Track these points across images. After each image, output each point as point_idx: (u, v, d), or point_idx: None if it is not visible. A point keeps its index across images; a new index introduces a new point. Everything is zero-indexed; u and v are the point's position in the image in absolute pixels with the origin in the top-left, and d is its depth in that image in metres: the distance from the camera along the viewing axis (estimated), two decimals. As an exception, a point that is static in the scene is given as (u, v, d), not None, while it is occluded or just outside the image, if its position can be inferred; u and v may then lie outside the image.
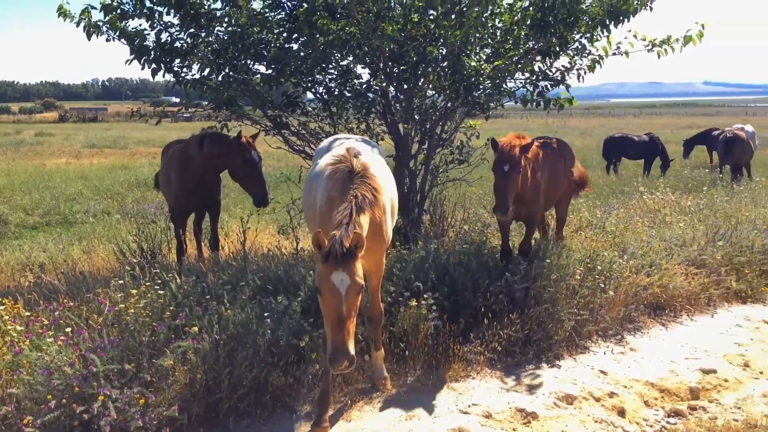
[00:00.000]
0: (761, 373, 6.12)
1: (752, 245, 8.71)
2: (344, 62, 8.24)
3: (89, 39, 7.43)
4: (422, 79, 7.99)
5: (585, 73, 7.92)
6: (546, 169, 7.15)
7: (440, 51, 7.54)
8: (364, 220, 4.40)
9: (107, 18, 7.39)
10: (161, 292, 5.69)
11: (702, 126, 28.62)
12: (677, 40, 7.46)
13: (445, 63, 7.66)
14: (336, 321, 3.89)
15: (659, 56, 7.61)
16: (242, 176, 7.52)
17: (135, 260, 7.26)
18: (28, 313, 5.37)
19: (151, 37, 7.61)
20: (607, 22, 7.45)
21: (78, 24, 7.39)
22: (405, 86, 8.03)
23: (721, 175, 17.53)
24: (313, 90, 8.53)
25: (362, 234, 4.12)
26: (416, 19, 7.50)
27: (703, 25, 7.32)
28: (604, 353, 6.39)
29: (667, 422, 5.18)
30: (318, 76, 8.30)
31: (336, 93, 8.27)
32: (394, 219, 5.31)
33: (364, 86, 8.16)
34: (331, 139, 5.97)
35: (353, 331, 3.95)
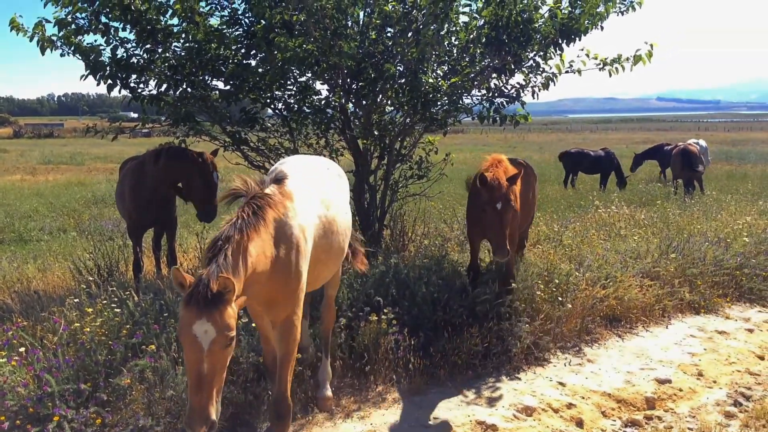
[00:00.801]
0: (714, 382, 6.28)
1: (704, 257, 8.95)
2: (303, 78, 8.27)
3: (43, 54, 7.33)
4: (381, 96, 8.06)
5: (539, 90, 8.10)
6: (522, 196, 7.00)
7: (398, 68, 7.62)
8: (254, 246, 3.69)
9: (61, 33, 7.28)
10: (117, 310, 5.62)
11: (656, 141, 29.31)
12: (627, 59, 7.67)
13: (403, 80, 7.75)
14: (195, 381, 3.25)
15: (611, 74, 7.82)
16: (198, 194, 7.47)
17: (91, 278, 7.15)
18: (-20, 334, 5.25)
19: (107, 53, 7.52)
20: (560, 41, 7.65)
21: (31, 39, 7.27)
22: (364, 102, 8.09)
23: (674, 189, 17.95)
24: (272, 106, 8.52)
25: (239, 273, 3.50)
26: (374, 37, 7.58)
27: (651, 45, 7.54)
28: (563, 365, 6.49)
29: (624, 432, 5.28)
30: (277, 92, 8.31)
31: (295, 109, 8.29)
32: (345, 237, 4.98)
33: (323, 102, 8.19)
34: (283, 160, 5.26)
35: (216, 394, 3.33)
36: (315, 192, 4.57)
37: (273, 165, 8.20)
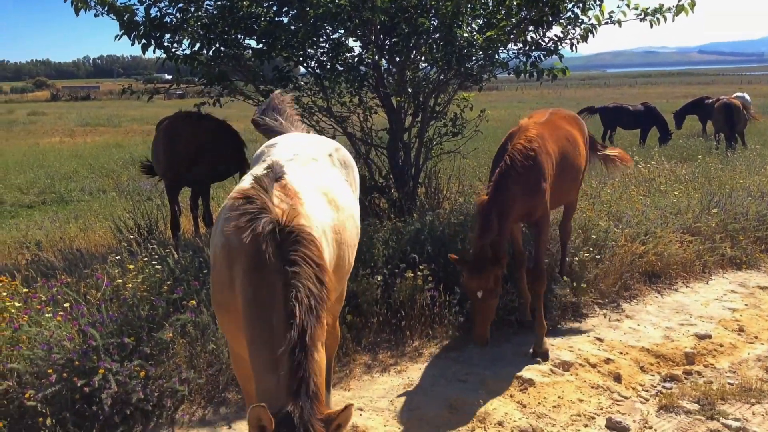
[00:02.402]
0: (756, 337, 6.20)
1: (746, 212, 8.76)
2: (335, 35, 8.18)
3: (77, 14, 7.35)
4: (414, 52, 7.95)
5: (578, 42, 7.89)
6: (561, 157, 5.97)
7: (432, 22, 7.49)
8: (319, 356, 2.63)
9: (95, -8, 7.31)
10: (158, 267, 5.72)
11: (697, 95, 28.54)
12: (669, 9, 7.43)
13: (437, 34, 7.62)
14: None
15: (651, 25, 7.58)
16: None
17: (132, 237, 7.28)
18: (26, 290, 5.39)
19: (141, 12, 7.55)
20: (600, -10, 7.43)
21: (65, -1, 7.31)
22: (397, 59, 7.99)
23: (716, 143, 17.54)
24: (304, 64, 8.47)
25: (322, 393, 2.55)
26: (408, -10, 7.44)
27: (695, -6, 7.29)
28: (601, 321, 6.45)
29: (663, 387, 5.25)
30: (309, 50, 8.24)
31: (328, 67, 8.22)
32: (354, 249, 3.87)
33: (356, 59, 8.10)
34: (272, 141, 4.09)
35: None
36: (322, 192, 3.54)
37: (307, 123, 8.27)
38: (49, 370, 4.33)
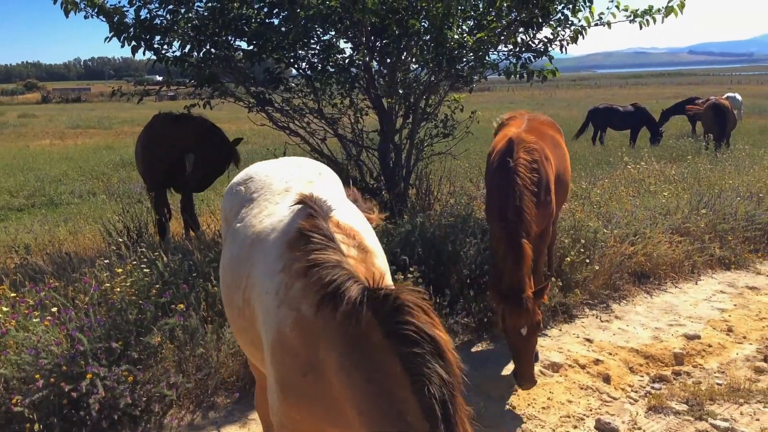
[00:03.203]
0: (744, 338, 6.22)
1: (735, 213, 8.80)
2: (326, 37, 8.17)
3: (67, 16, 7.33)
4: (405, 53, 7.95)
5: (568, 44, 7.91)
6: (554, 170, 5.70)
7: (422, 24, 7.49)
8: None
9: (85, -6, 7.28)
10: (147, 270, 5.69)
11: (687, 96, 28.68)
12: (659, 10, 7.45)
13: (428, 36, 7.61)
14: None
15: (641, 27, 7.60)
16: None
17: (121, 240, 7.25)
18: (13, 294, 5.36)
19: (130, 14, 7.53)
20: (589, -8, 7.45)
21: (55, 1, 7.28)
22: (388, 60, 7.98)
23: (705, 144, 17.62)
24: (295, 66, 8.46)
25: None
26: (398, -9, 7.44)
27: (684, -5, 7.31)
28: (590, 322, 6.47)
29: (652, 387, 5.26)
30: (300, 52, 8.24)
31: (319, 68, 8.21)
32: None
33: (347, 61, 8.10)
34: (245, 175, 3.51)
35: None
36: (363, 222, 3.19)
37: (298, 125, 8.26)
38: (37, 375, 4.31)
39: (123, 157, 19.22)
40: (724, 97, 21.24)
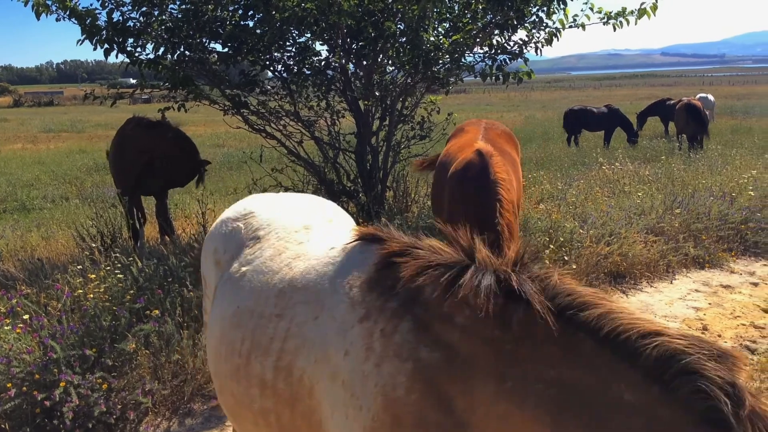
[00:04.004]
0: (719, 336, 6.28)
1: (709, 212, 8.90)
2: (302, 39, 8.15)
3: (38, 18, 7.23)
4: (381, 55, 7.95)
5: (543, 45, 7.97)
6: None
7: (398, 26, 7.50)
8: None
9: (56, -3, 7.19)
10: (121, 276, 5.62)
11: (661, 97, 29.04)
12: (632, 12, 7.54)
13: (404, 38, 7.62)
14: None
15: (615, 29, 7.68)
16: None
17: (94, 245, 7.15)
18: (-16, 302, 5.26)
19: (103, 17, 7.43)
20: (563, -5, 7.50)
21: (26, 3, 7.17)
22: (364, 62, 7.98)
23: (679, 144, 17.84)
24: (271, 68, 8.42)
25: None
26: (373, -6, 7.44)
27: (656, -3, 7.40)
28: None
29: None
30: (276, 54, 8.20)
31: (295, 71, 8.18)
32: None
33: (323, 63, 8.08)
34: (242, 210, 3.03)
35: None
36: None
37: (275, 128, 8.21)
38: (8, 384, 4.23)
39: (96, 161, 19.01)
40: (696, 97, 21.53)
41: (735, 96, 49.29)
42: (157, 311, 5.01)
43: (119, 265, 5.88)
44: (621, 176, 11.64)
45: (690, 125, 17.90)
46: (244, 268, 2.67)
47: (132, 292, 5.40)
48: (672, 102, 22.19)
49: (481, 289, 1.85)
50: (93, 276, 5.63)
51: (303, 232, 2.72)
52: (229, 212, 3.06)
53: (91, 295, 5.30)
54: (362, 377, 1.99)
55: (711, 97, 23.19)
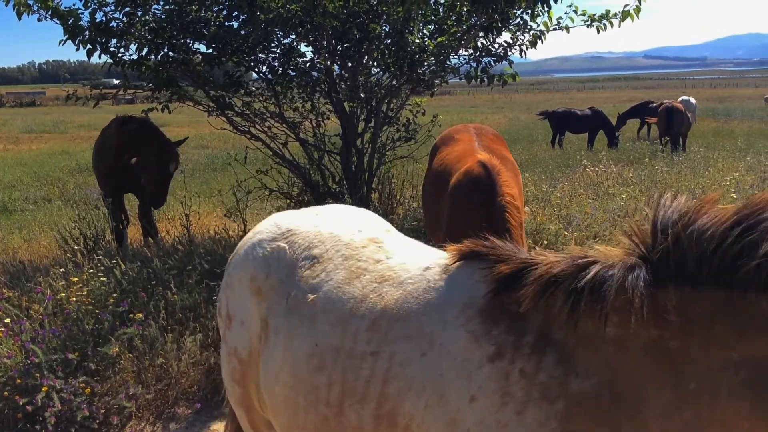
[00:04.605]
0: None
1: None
2: (287, 40, 8.12)
3: (19, 18, 7.16)
4: (366, 57, 7.94)
5: (527, 48, 7.99)
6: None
7: (383, 28, 7.50)
8: None
9: (38, -4, 7.12)
10: (104, 279, 5.57)
11: (643, 99, 29.25)
12: (616, 15, 7.57)
13: (389, 40, 7.63)
14: None
15: (599, 31, 7.72)
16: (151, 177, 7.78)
17: (77, 247, 7.08)
18: (-36, 305, 5.19)
19: (86, 17, 7.37)
20: (548, -3, 7.52)
21: (7, 3, 7.10)
22: (349, 64, 7.96)
23: (662, 147, 17.98)
24: (256, 69, 8.38)
25: None
26: (359, -4, 7.43)
27: (640, 0, 7.44)
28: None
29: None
30: (261, 55, 8.17)
31: (280, 72, 8.15)
32: None
33: (308, 65, 8.05)
34: (280, 228, 2.59)
35: None
36: None
37: (259, 129, 8.18)
38: (-11, 389, 4.18)
39: (79, 162, 18.85)
40: (678, 100, 21.70)
41: (717, 99, 49.74)
42: (140, 314, 4.96)
43: (102, 268, 5.83)
44: (605, 178, 11.71)
45: (671, 127, 18.06)
46: (312, 296, 2.28)
47: (115, 295, 5.35)
48: (654, 105, 22.35)
49: (636, 286, 1.60)
50: (76, 279, 5.57)
51: (373, 247, 2.36)
52: (260, 234, 2.60)
53: (74, 299, 5.25)
54: (498, 428, 1.73)
55: (693, 100, 23.37)
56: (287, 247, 2.46)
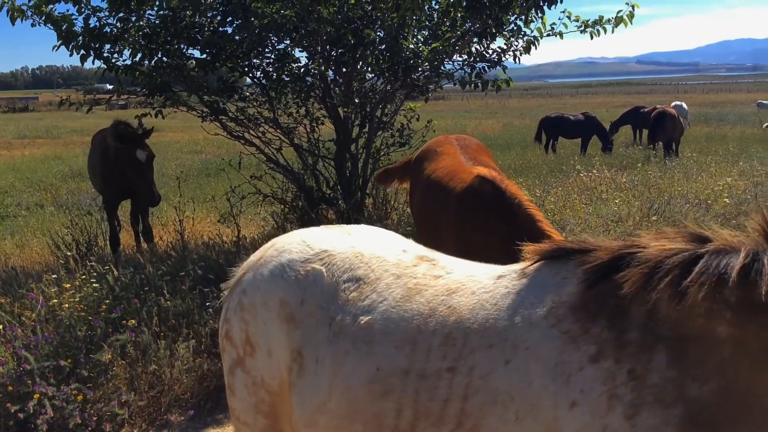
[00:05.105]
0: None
1: (685, 219, 8.98)
2: (281, 46, 8.12)
3: (13, 23, 7.16)
4: (361, 62, 7.95)
5: (521, 54, 8.02)
6: None
7: (378, 33, 7.51)
8: None
9: (32, 2, 7.11)
10: (96, 285, 5.54)
11: (636, 104, 29.36)
12: (609, 21, 7.61)
13: (383, 45, 7.64)
14: None
15: (592, 37, 7.75)
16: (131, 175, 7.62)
17: (70, 253, 7.05)
18: (-44, 312, 5.15)
19: (79, 22, 7.37)
20: (541, 3, 7.54)
21: (0, 8, 7.09)
22: (344, 69, 7.97)
23: (654, 152, 18.04)
24: (250, 75, 8.38)
25: None
26: (353, 2, 7.44)
27: (633, 6, 7.47)
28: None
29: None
30: (255, 61, 8.16)
31: (274, 77, 8.15)
32: None
33: (303, 70, 8.06)
34: (312, 249, 2.38)
35: None
36: None
37: (253, 134, 8.16)
38: (-20, 397, 4.15)
39: (72, 168, 18.78)
40: (671, 105, 21.79)
41: (709, 104, 49.95)
42: (133, 321, 4.94)
43: (95, 274, 5.80)
44: (598, 183, 11.73)
45: (663, 133, 18.14)
46: (365, 318, 2.10)
47: (108, 301, 5.32)
48: (646, 110, 22.44)
49: (762, 272, 1.45)
50: (68, 285, 5.54)
51: (426, 265, 2.20)
52: (287, 254, 2.36)
53: (66, 305, 5.21)
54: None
55: (685, 105, 23.48)
56: (324, 270, 2.27)
